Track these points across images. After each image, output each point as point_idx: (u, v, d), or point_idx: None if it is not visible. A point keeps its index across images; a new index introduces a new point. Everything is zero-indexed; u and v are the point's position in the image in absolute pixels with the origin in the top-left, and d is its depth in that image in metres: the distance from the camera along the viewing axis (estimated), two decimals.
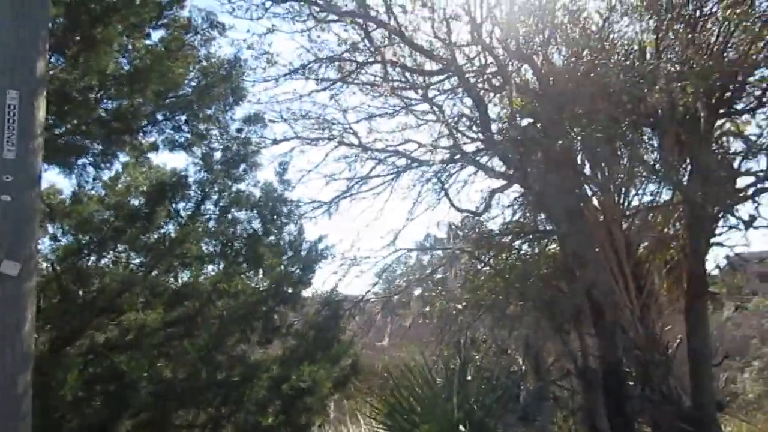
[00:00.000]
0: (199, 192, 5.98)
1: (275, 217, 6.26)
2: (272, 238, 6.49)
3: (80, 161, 5.15)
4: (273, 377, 5.90)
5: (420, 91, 8.33)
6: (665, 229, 9.05)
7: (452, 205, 6.75)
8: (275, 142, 8.19)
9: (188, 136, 5.58)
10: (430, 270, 8.01)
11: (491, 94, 7.90)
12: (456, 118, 8.10)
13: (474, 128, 8.53)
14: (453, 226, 6.69)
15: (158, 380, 5.21)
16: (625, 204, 8.52)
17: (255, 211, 6.19)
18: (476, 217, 7.71)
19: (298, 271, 6.53)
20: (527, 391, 6.17)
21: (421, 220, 8.70)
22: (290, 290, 6.45)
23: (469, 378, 6.03)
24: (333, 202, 7.66)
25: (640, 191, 8.41)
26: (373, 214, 8.44)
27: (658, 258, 9.00)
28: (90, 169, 5.19)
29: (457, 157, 8.34)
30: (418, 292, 8.47)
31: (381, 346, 9.33)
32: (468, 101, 8.33)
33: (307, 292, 6.67)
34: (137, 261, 5.79)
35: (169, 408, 5.34)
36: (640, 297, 7.91)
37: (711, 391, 7.11)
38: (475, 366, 6.54)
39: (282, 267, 6.37)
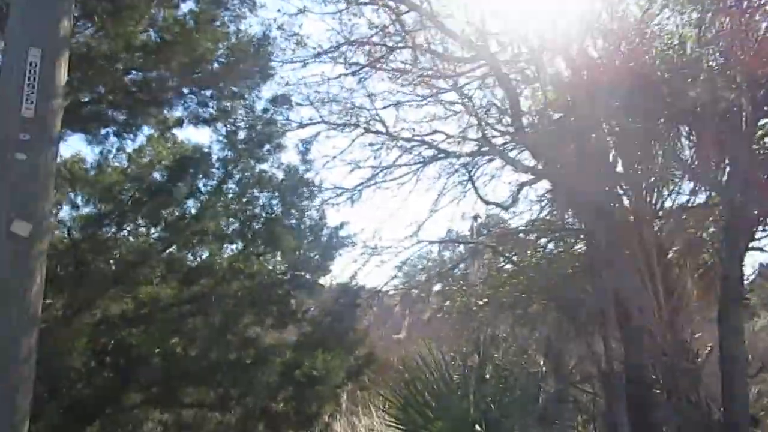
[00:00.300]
0: (222, 170, 5.88)
1: (297, 198, 6.12)
2: (293, 221, 6.36)
3: (104, 130, 5.08)
4: (285, 362, 5.79)
5: (449, 81, 8.15)
6: (699, 232, 8.69)
7: (479, 196, 6.55)
8: (301, 125, 8.09)
9: (213, 111, 5.48)
10: (451, 264, 7.80)
11: (523, 86, 7.68)
12: (486, 109, 7.88)
13: (503, 121, 8.32)
14: (478, 219, 6.48)
15: (169, 356, 5.11)
16: (658, 204, 8.19)
17: (276, 193, 6.05)
18: (502, 212, 7.48)
19: (317, 256, 6.38)
20: (547, 393, 5.93)
21: (445, 213, 8.48)
22: (308, 275, 6.30)
23: (487, 376, 5.80)
24: (356, 190, 7.51)
25: (675, 191, 8.07)
26: (397, 204, 8.28)
27: (690, 262, 8.64)
28: (113, 138, 5.13)
29: (485, 149, 8.13)
30: (438, 287, 8.26)
31: (398, 338, 9.16)
32: (498, 92, 8.13)
33: (325, 280, 6.53)
34: (156, 235, 5.70)
35: (178, 385, 5.25)
36: (670, 301, 7.59)
37: (744, 403, 6.74)
38: (493, 364, 6.32)
39: (301, 251, 6.22)
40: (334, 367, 5.88)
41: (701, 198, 7.99)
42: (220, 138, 5.90)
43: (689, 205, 8.01)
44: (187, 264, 5.83)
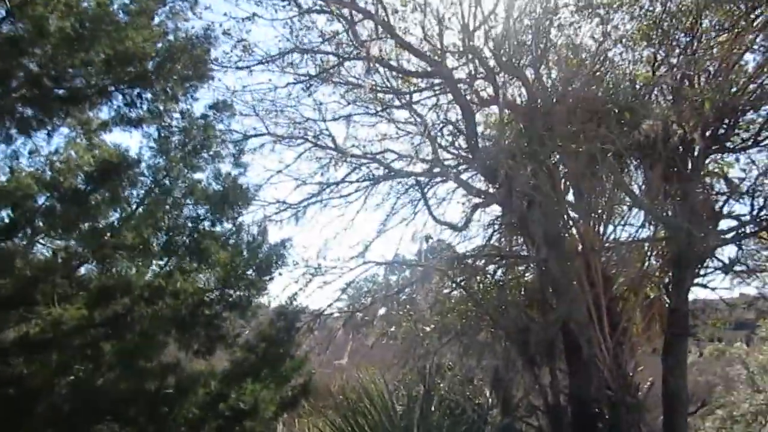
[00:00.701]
0: (151, 177, 5.31)
1: (232, 211, 5.62)
2: (227, 235, 5.83)
3: (13, 129, 4.46)
4: (211, 393, 5.18)
5: (403, 98, 7.88)
6: (644, 265, 8.65)
7: (431, 215, 6.23)
8: (245, 136, 7.61)
9: (141, 112, 4.94)
10: (398, 288, 7.42)
11: (478, 107, 7.48)
12: (439, 128, 7.62)
13: (456, 143, 8.10)
14: (429, 240, 6.13)
15: (75, 387, 4.47)
16: (605, 236, 8.11)
17: (209, 205, 5.52)
18: (451, 237, 7.19)
19: (252, 274, 5.84)
20: (493, 427, 5.60)
21: (394, 234, 8.14)
22: (242, 295, 5.76)
23: (432, 408, 5.41)
24: (301, 206, 7.07)
25: (623, 223, 8.03)
26: (344, 224, 7.88)
27: (634, 295, 8.58)
28: (22, 138, 4.50)
29: (437, 170, 7.86)
30: (383, 311, 7.86)
31: (339, 365, 8.67)
32: (452, 115, 7.91)
33: (262, 301, 5.98)
34: (66, 248, 5.06)
35: (85, 421, 4.59)
36: (614, 334, 7.49)
37: None
38: (439, 395, 5.93)
39: (234, 267, 5.66)
40: (265, 399, 5.31)
41: (648, 231, 7.98)
42: (152, 144, 5.36)
43: (636, 238, 7.98)
44: (101, 281, 5.17)
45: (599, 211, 7.71)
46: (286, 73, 7.12)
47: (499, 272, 7.92)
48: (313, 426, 6.08)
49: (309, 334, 6.49)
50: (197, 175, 5.68)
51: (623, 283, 8.18)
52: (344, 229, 7.95)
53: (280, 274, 6.24)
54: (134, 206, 5.20)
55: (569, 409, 6.60)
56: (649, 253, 8.16)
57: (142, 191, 5.25)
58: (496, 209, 7.90)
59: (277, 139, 7.44)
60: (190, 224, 5.45)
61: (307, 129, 7.87)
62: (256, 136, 7.55)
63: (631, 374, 7.46)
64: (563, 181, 7.50)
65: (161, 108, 5.16)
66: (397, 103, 8.23)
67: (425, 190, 8.17)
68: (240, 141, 7.08)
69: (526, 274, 7.87)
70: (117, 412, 4.82)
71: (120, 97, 4.90)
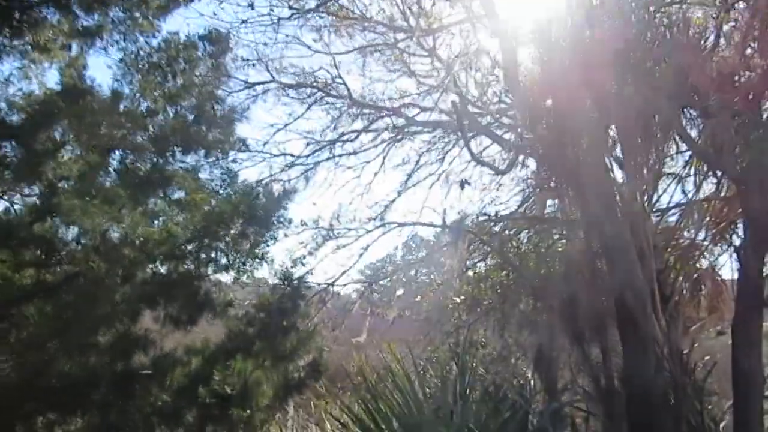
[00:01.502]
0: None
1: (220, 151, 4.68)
2: (200, 165, 4.85)
3: None
4: (189, 375, 4.27)
5: (425, 42, 6.88)
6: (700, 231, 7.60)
7: (471, 155, 5.20)
8: (248, 84, 6.68)
9: (100, 19, 3.99)
10: (423, 255, 6.50)
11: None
12: (469, 64, 6.58)
13: (488, 90, 7.08)
14: (464, 185, 5.15)
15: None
16: (653, 199, 7.12)
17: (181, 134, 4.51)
18: (485, 194, 6.22)
19: (248, 229, 4.86)
20: (537, 414, 4.65)
21: (417, 196, 7.20)
22: (231, 251, 4.81)
23: (467, 390, 4.46)
24: (311, 161, 6.15)
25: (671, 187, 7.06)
26: (360, 188, 6.99)
27: (685, 265, 7.56)
28: None
29: (466, 122, 6.88)
30: (405, 281, 6.95)
31: (357, 342, 7.78)
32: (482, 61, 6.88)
33: (261, 264, 5.02)
34: None
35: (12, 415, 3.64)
36: (666, 309, 6.53)
37: (759, 425, 5.65)
38: (474, 375, 4.99)
39: (217, 213, 4.64)
40: (259, 381, 4.36)
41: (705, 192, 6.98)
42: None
43: (692, 199, 6.99)
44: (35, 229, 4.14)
45: (651, 168, 6.75)
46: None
47: (537, 238, 6.98)
48: (327, 412, 5.21)
49: (321, 306, 5.60)
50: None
51: (673, 252, 7.22)
52: (360, 195, 7.06)
53: (285, 235, 5.35)
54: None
55: (624, 392, 5.65)
56: (706, 217, 7.17)
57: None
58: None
59: (282, 87, 6.50)
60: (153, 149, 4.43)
61: (316, 78, 6.94)
62: (260, 83, 6.63)
63: (686, 353, 6.59)
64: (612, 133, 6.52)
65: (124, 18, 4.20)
66: (418, 51, 7.27)
67: (449, 145, 7.24)
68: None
69: (567, 240, 6.92)
70: (61, 401, 3.89)
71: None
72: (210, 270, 4.78)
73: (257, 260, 4.87)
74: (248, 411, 4.17)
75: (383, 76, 7.48)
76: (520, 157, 5.62)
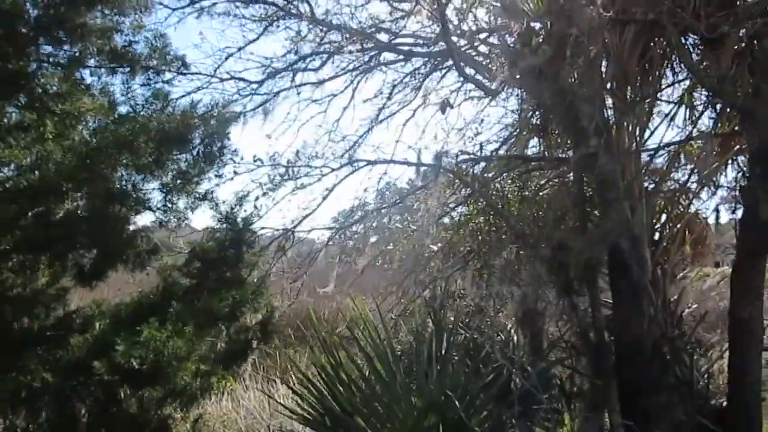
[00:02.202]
0: None
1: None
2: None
3: None
4: (89, 344, 3.51)
5: None
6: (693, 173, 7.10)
7: (459, 70, 4.41)
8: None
9: None
10: (396, 198, 5.79)
11: None
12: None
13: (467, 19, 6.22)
14: (446, 107, 4.37)
15: None
16: (643, 136, 6.52)
17: None
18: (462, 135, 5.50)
19: (175, 157, 4.02)
20: (522, 373, 4.09)
21: (390, 132, 6.43)
22: (147, 182, 3.99)
23: (443, 349, 3.88)
24: (267, 88, 5.29)
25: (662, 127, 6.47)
26: (327, 125, 6.15)
27: (673, 209, 7.07)
28: None
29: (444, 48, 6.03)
30: (376, 225, 6.25)
31: (324, 293, 7.14)
32: None
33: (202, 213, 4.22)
34: None
35: None
36: (654, 255, 6.05)
37: (756, 382, 5.23)
38: (450, 330, 4.38)
39: (129, 131, 3.75)
40: (177, 352, 3.55)
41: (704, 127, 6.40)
42: None
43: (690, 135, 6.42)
44: None
45: (645, 101, 6.13)
46: None
47: (521, 180, 6.32)
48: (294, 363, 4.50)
49: (280, 254, 4.88)
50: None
51: (662, 195, 6.68)
52: (328, 132, 6.22)
53: (235, 172, 4.54)
54: None
55: (614, 347, 5.16)
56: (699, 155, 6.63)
57: None
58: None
59: (232, 3, 5.53)
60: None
61: None
62: None
63: (674, 302, 6.16)
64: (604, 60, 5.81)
65: None
66: None
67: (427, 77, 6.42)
68: None
69: (555, 182, 6.29)
70: None
71: None
72: (123, 209, 3.96)
73: (195, 199, 4.11)
74: (166, 388, 3.48)
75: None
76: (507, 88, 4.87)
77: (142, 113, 4.01)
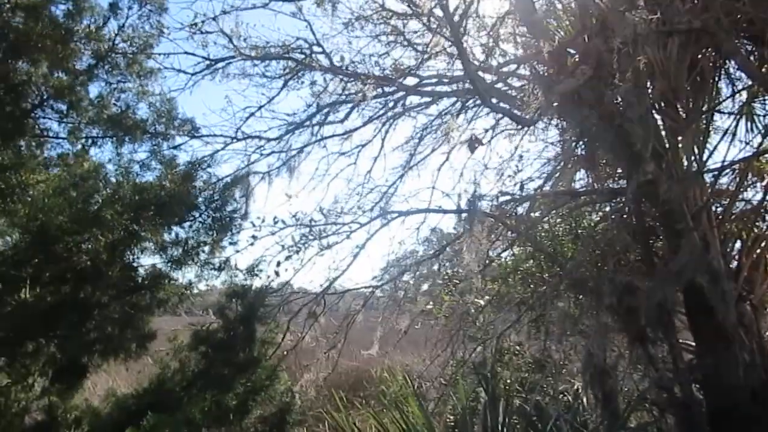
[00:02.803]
0: None
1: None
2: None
3: None
4: None
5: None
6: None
7: (484, 101, 3.98)
8: (210, 62, 5.51)
9: None
10: (434, 250, 5.29)
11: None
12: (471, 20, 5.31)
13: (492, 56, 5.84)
14: (474, 145, 3.90)
15: None
16: (703, 155, 5.85)
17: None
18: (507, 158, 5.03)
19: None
20: None
21: (420, 181, 6.00)
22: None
23: (502, 426, 3.27)
24: (291, 141, 4.98)
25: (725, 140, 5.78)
26: (359, 177, 5.79)
27: (748, 234, 6.21)
28: None
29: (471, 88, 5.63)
30: (410, 278, 5.72)
31: (368, 356, 6.56)
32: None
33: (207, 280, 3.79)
34: None
35: None
36: (736, 287, 5.23)
37: None
38: (509, 397, 3.76)
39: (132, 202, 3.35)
40: None
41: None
42: None
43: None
44: None
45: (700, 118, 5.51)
46: None
47: (571, 218, 5.72)
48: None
49: (311, 321, 4.42)
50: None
51: (733, 218, 5.91)
52: (361, 185, 5.83)
53: (254, 237, 4.12)
54: None
55: (705, 401, 4.39)
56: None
57: None
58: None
59: (247, 59, 5.31)
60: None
61: (290, 48, 5.74)
62: (224, 60, 5.46)
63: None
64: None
65: None
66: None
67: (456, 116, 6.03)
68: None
69: (610, 216, 5.66)
70: None
71: None
72: (112, 292, 3.56)
73: (205, 270, 3.72)
74: None
75: (372, 48, 6.28)
76: (544, 116, 4.37)
77: (115, 180, 3.70)
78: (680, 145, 5.21)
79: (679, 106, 5.36)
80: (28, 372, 3.83)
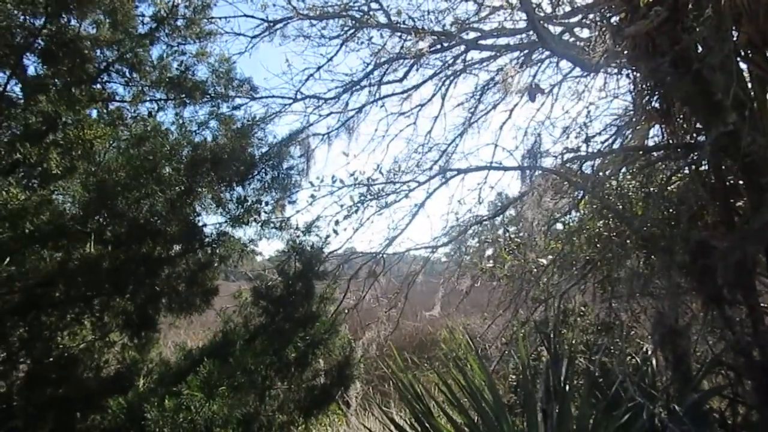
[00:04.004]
0: None
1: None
2: None
3: None
4: (129, 407, 3.14)
5: None
6: None
7: (545, 46, 3.80)
8: (269, 24, 5.53)
9: None
10: (495, 209, 5.17)
11: None
12: None
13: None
14: (535, 93, 3.70)
15: None
16: None
17: None
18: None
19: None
20: (669, 409, 3.28)
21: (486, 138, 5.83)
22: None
23: (565, 386, 3.19)
24: (345, 98, 4.96)
25: None
26: (418, 138, 5.68)
27: None
28: None
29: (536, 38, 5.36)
30: (474, 242, 5.65)
31: (431, 316, 6.58)
32: None
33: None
34: None
35: None
36: None
37: None
38: (572, 359, 3.67)
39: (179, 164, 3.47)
40: (215, 417, 3.02)
41: None
42: None
43: None
44: None
45: None
46: None
47: (643, 175, 5.42)
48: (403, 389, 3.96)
49: (370, 279, 4.45)
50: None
51: None
52: (420, 147, 5.75)
53: (312, 197, 4.16)
54: None
55: None
56: None
57: None
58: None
59: (304, 20, 5.28)
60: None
61: (348, 7, 5.66)
62: (279, 22, 5.46)
63: None
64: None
65: None
66: None
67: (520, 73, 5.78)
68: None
69: (687, 172, 5.32)
70: None
71: None
72: (177, 249, 3.70)
73: (265, 230, 3.79)
74: None
75: (431, 4, 6.07)
76: (612, 62, 4.09)
77: (175, 139, 3.78)
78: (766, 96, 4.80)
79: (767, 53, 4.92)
80: (108, 329, 4.09)
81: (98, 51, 3.69)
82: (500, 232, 5.90)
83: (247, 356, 3.05)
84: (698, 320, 4.28)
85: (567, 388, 3.28)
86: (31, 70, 3.74)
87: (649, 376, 3.94)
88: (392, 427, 3.81)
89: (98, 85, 3.79)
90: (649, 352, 4.14)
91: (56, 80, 3.51)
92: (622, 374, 3.57)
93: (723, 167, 4.65)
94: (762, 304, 4.36)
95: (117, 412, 2.86)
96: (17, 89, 3.62)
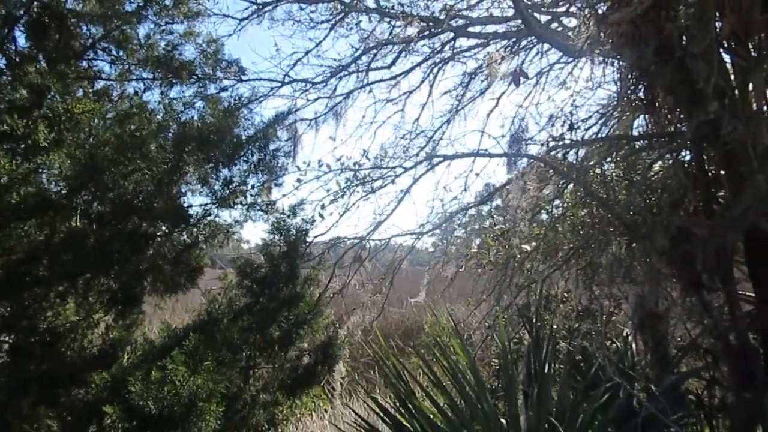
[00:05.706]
0: None
1: None
2: None
3: None
4: (112, 381, 3.16)
5: None
6: None
7: (530, 32, 3.84)
8: (258, 6, 5.50)
9: None
10: (480, 197, 5.21)
11: None
12: None
13: None
14: (519, 78, 3.75)
15: None
16: None
17: None
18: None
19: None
20: (647, 391, 3.37)
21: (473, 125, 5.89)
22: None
23: (546, 367, 3.27)
24: (333, 83, 4.97)
25: None
26: (407, 124, 5.72)
27: None
28: None
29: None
30: (461, 232, 5.69)
31: (415, 302, 6.65)
32: None
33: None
34: None
35: None
36: None
37: None
38: (553, 342, 3.74)
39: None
40: (199, 391, 3.02)
41: None
42: None
43: None
44: None
45: None
46: None
47: (626, 164, 5.50)
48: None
49: (355, 264, 4.49)
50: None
51: None
52: (407, 134, 5.79)
53: (299, 180, 4.17)
54: None
55: (762, 350, 4.25)
56: None
57: None
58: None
59: (292, 2, 5.27)
60: None
61: None
62: (268, 4, 5.43)
63: None
64: None
65: None
66: None
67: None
68: None
69: (668, 161, 5.40)
70: None
71: None
72: (163, 226, 3.71)
73: (251, 212, 3.81)
74: None
75: None
76: (596, 48, 4.13)
77: (160, 117, 3.77)
78: (750, 86, 4.88)
79: (750, 43, 4.99)
80: (92, 310, 4.10)
81: (84, 27, 3.67)
82: (486, 221, 5.96)
83: (233, 332, 3.07)
84: (677, 305, 4.37)
85: (547, 370, 3.35)
86: (21, 43, 3.73)
87: (628, 359, 4.03)
88: (377, 409, 3.86)
89: (84, 63, 3.77)
90: (629, 336, 4.23)
91: (42, 55, 3.48)
92: (601, 356, 3.64)
93: (704, 156, 4.73)
94: (739, 291, 4.47)
95: (101, 386, 2.88)
96: (2, 62, 3.61)
